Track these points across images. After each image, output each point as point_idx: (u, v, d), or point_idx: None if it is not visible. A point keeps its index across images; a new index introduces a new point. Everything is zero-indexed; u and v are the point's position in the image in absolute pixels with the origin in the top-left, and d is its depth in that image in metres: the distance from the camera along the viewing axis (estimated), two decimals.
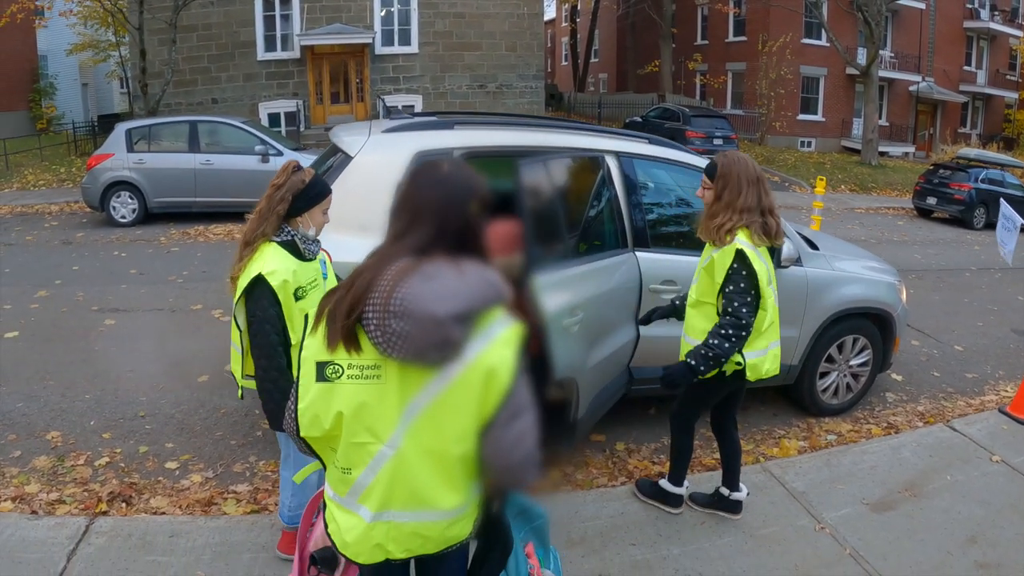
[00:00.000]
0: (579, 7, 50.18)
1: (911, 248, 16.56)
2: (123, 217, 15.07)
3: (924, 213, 22.60)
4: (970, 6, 40.73)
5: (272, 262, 3.50)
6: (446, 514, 2.25)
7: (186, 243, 13.56)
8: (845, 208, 22.40)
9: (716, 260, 4.08)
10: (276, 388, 3.48)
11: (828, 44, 32.66)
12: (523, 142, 5.34)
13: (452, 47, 28.48)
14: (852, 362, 6.73)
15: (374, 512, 2.23)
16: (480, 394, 2.11)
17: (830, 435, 6.35)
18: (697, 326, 4.27)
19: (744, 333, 4.01)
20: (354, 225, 4.24)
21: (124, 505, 4.83)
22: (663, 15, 37.39)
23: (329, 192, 3.73)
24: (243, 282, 3.51)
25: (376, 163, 4.95)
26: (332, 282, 3.90)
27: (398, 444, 2.16)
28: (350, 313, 2.08)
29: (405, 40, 28.29)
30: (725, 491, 4.71)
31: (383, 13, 28.04)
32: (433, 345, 2.03)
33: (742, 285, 4.00)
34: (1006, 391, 7.53)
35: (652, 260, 5.54)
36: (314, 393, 2.18)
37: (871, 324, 6.67)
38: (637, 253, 5.47)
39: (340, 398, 2.15)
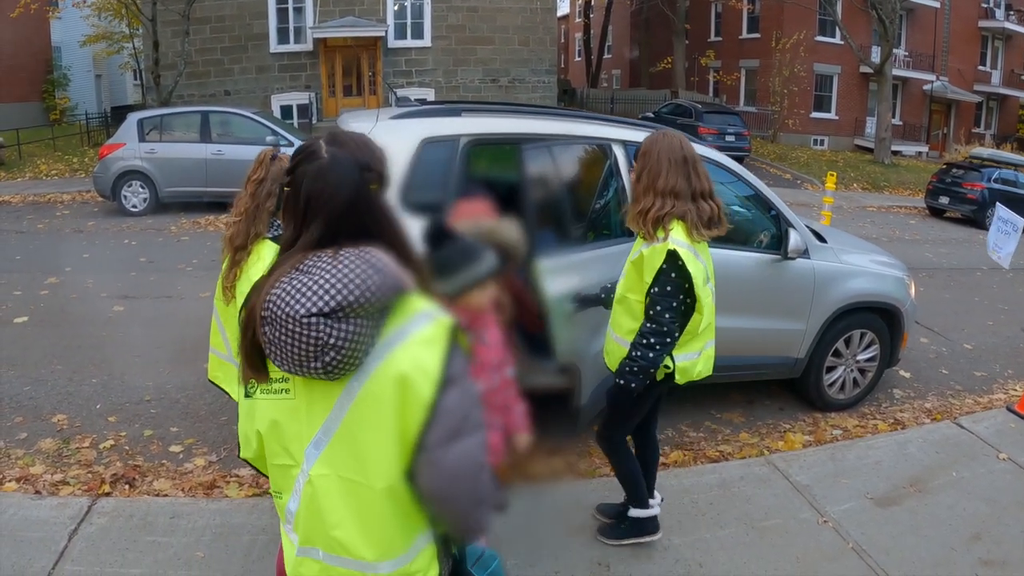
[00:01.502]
0: (592, 3, 50.09)
1: (922, 247, 16.51)
2: (134, 206, 15.14)
3: (936, 212, 22.50)
4: (985, 5, 40.48)
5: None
6: (369, 567, 1.89)
7: (196, 232, 13.61)
8: (857, 206, 22.33)
9: (646, 257, 3.67)
10: None
11: (842, 42, 32.49)
12: (529, 129, 5.33)
13: (465, 41, 28.47)
14: (859, 357, 6.70)
15: (299, 546, 1.96)
16: (395, 409, 1.76)
17: (836, 430, 6.33)
18: (623, 324, 3.87)
19: (668, 340, 3.65)
20: None
21: (127, 487, 4.86)
22: (676, 11, 37.33)
23: None
24: (245, 287, 3.35)
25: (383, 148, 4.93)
26: None
27: (309, 471, 1.86)
28: (245, 326, 1.85)
29: (418, 34, 28.30)
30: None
31: (396, 7, 28.06)
32: (304, 350, 1.70)
33: (669, 289, 3.60)
34: (1015, 390, 7.48)
35: None
36: (242, 411, 2.01)
37: (879, 319, 6.64)
38: None
39: (258, 415, 1.93)
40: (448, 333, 1.79)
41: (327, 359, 1.70)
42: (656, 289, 3.61)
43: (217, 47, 27.37)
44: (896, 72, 34.41)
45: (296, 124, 24.72)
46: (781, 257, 5.87)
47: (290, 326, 1.69)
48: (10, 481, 4.83)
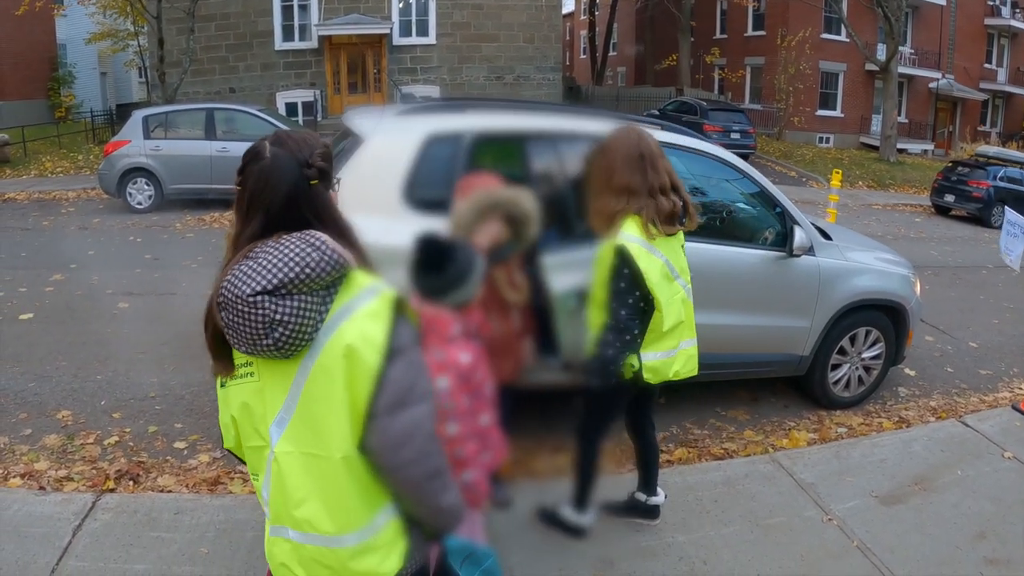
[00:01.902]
0: (598, 0, 50.04)
1: (928, 245, 16.48)
2: (139, 203, 15.18)
3: (942, 210, 22.46)
4: (991, 3, 40.43)
5: None
6: (333, 540, 1.96)
7: (201, 229, 13.63)
8: (862, 204, 22.29)
9: (599, 255, 3.67)
10: None
11: (848, 39, 32.50)
12: (534, 125, 5.33)
13: (470, 38, 28.49)
14: (864, 355, 6.68)
15: (271, 525, 2.06)
16: (345, 380, 1.85)
17: (841, 428, 6.31)
18: (594, 320, 3.79)
19: (627, 338, 3.59)
20: (367, 206, 4.23)
21: (131, 483, 4.87)
22: (682, 8, 37.23)
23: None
24: None
25: (388, 145, 4.94)
26: None
27: (275, 449, 1.94)
28: (206, 320, 1.94)
29: (423, 31, 28.33)
30: (642, 496, 4.38)
31: (401, 4, 28.14)
32: (255, 328, 1.80)
33: (622, 286, 3.55)
34: (1020, 389, 7.47)
35: None
36: (219, 402, 2.08)
37: (884, 316, 6.62)
38: None
39: (231, 402, 2.02)
40: (392, 306, 1.89)
41: (276, 335, 1.79)
42: (611, 288, 3.57)
43: (222, 44, 27.43)
44: (902, 70, 34.40)
45: (301, 121, 24.78)
46: (786, 254, 5.86)
47: (240, 306, 1.79)
48: (14, 477, 4.84)
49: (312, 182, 1.92)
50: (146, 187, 15.21)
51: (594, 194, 3.70)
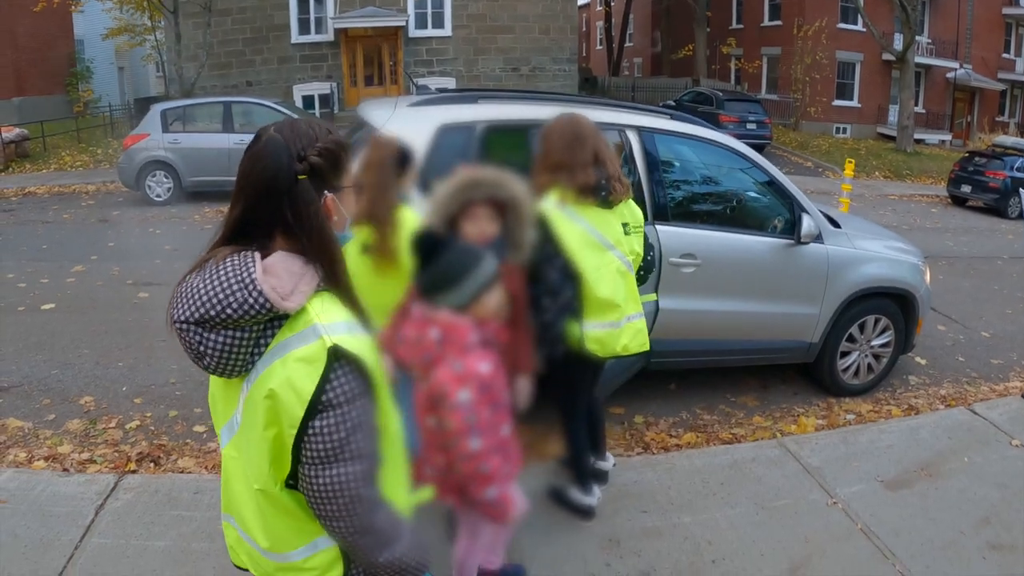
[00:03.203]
0: None
1: (943, 235, 16.43)
2: (158, 196, 15.33)
3: (958, 201, 22.35)
4: None
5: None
6: (267, 554, 1.93)
7: (219, 221, 13.58)
8: (879, 195, 22.21)
9: None
10: None
11: (864, 29, 32.24)
12: (546, 116, 5.39)
13: (485, 30, 28.47)
14: (874, 342, 6.72)
15: (223, 512, 2.07)
16: (264, 422, 1.74)
17: (849, 414, 6.36)
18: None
19: (563, 301, 3.72)
20: None
21: (152, 465, 5.00)
22: None
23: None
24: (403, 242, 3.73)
25: (401, 135, 5.02)
26: None
27: (222, 447, 1.94)
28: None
29: (438, 23, 28.32)
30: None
31: None
32: (190, 351, 1.74)
33: (547, 249, 3.67)
34: None
35: (671, 233, 5.53)
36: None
37: (893, 304, 6.65)
38: (657, 226, 5.47)
39: (210, 387, 2.00)
40: (331, 354, 1.69)
41: (205, 363, 1.74)
42: (539, 253, 3.64)
43: (239, 38, 27.53)
44: (919, 60, 34.10)
45: (318, 114, 24.87)
46: (794, 242, 5.91)
47: (172, 326, 1.74)
48: (39, 460, 4.97)
49: (300, 176, 1.75)
50: (165, 180, 15.35)
51: (533, 174, 3.84)
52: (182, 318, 1.69)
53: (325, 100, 27.23)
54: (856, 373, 6.79)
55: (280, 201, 1.74)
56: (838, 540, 4.32)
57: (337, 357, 1.69)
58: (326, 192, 1.80)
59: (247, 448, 1.84)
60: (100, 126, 28.20)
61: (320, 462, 1.72)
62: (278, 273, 1.70)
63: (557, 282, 3.70)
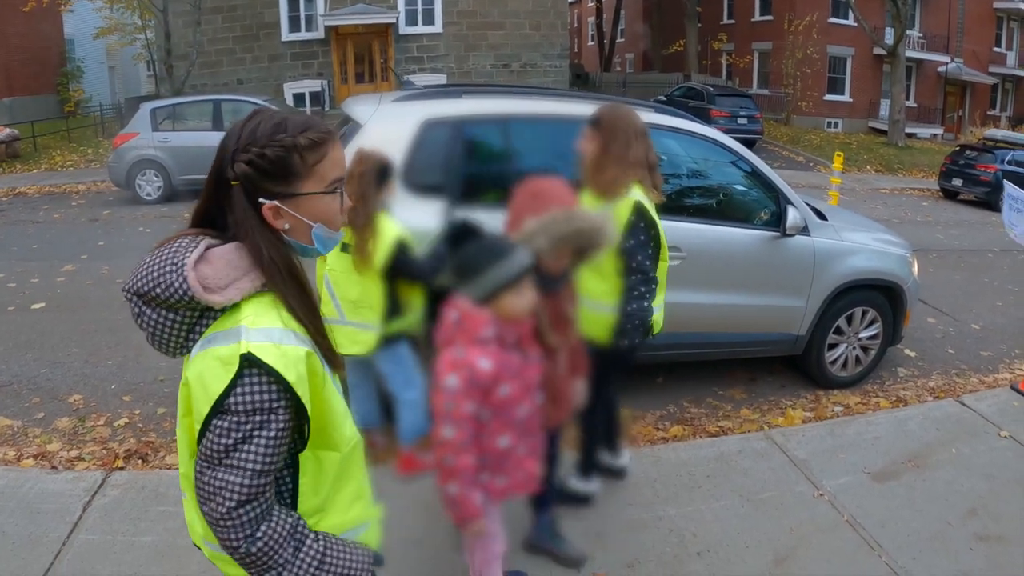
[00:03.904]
0: None
1: (934, 228, 16.47)
2: (148, 195, 15.31)
3: (950, 195, 22.40)
4: None
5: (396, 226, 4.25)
6: (204, 541, 1.93)
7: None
8: (870, 188, 22.26)
9: (616, 215, 3.72)
10: None
11: (855, 24, 32.31)
12: (528, 110, 5.43)
13: (476, 26, 28.47)
14: (861, 334, 6.74)
15: (181, 487, 2.01)
16: (183, 408, 1.75)
17: (837, 406, 6.37)
18: (593, 288, 3.82)
19: (654, 286, 3.84)
20: None
21: (140, 462, 5.01)
22: None
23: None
24: (380, 248, 4.16)
25: (385, 131, 5.04)
26: None
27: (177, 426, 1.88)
28: None
29: (429, 20, 28.31)
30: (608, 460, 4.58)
31: None
32: (135, 322, 1.73)
33: (642, 238, 3.76)
34: (1021, 369, 7.47)
35: None
36: None
37: (881, 296, 6.66)
38: None
39: None
40: (243, 361, 1.62)
41: (146, 336, 1.75)
42: (632, 242, 3.74)
43: (229, 36, 27.50)
44: (910, 54, 34.22)
45: (309, 112, 24.81)
46: (780, 234, 5.93)
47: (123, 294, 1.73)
48: (27, 458, 4.97)
49: (232, 182, 1.69)
50: (155, 179, 15.33)
51: (605, 164, 3.82)
52: (125, 287, 1.70)
53: (316, 98, 27.22)
54: (844, 365, 6.80)
55: (216, 195, 1.74)
56: (824, 532, 4.33)
57: (249, 364, 1.62)
58: (263, 200, 1.70)
59: (178, 431, 1.85)
60: (91, 126, 28.16)
61: (205, 460, 1.67)
62: (215, 264, 1.68)
63: (650, 268, 3.78)
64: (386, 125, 5.05)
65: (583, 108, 5.49)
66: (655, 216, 3.79)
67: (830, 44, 35.22)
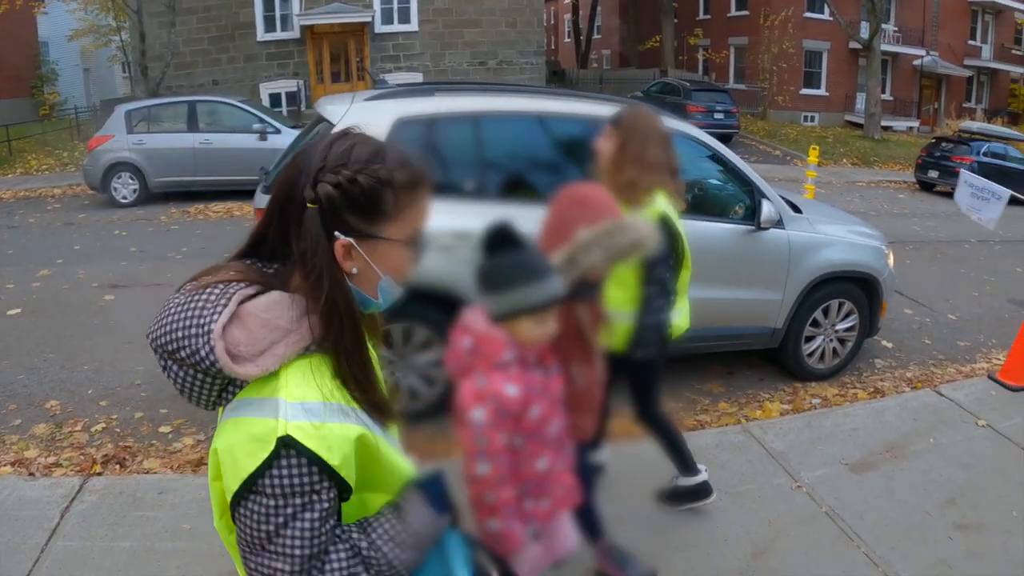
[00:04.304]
0: None
1: (910, 220, 16.57)
2: (124, 198, 15.19)
3: (926, 186, 22.54)
4: None
5: None
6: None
7: (186, 221, 13.67)
8: (846, 181, 22.39)
9: None
10: None
11: (831, 18, 32.52)
12: (502, 107, 5.44)
13: (452, 24, 28.41)
14: (838, 327, 6.78)
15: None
16: (213, 472, 1.53)
17: (815, 399, 6.41)
18: (612, 295, 3.60)
19: (672, 298, 3.77)
20: None
21: (118, 467, 4.98)
22: None
23: None
24: None
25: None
26: None
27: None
28: None
29: (405, 18, 28.21)
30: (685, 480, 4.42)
31: None
32: (162, 370, 1.48)
33: (665, 250, 3.59)
34: (998, 359, 7.51)
35: None
36: None
37: (857, 288, 6.70)
38: None
39: None
40: (280, 444, 1.38)
41: (174, 388, 1.49)
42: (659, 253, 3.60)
43: (204, 37, 27.32)
44: (885, 47, 34.45)
45: (285, 112, 24.73)
46: (755, 228, 5.95)
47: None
48: (5, 465, 4.93)
49: (308, 204, 1.44)
50: (130, 181, 15.21)
51: (623, 164, 3.70)
52: (149, 337, 1.46)
53: (292, 98, 27.08)
54: (821, 357, 6.84)
55: (288, 227, 1.48)
56: (802, 524, 4.35)
57: (287, 448, 1.39)
58: (338, 233, 1.46)
59: (210, 489, 1.60)
60: (66, 129, 27.91)
61: (247, 546, 1.47)
62: (251, 326, 1.42)
63: (669, 282, 3.71)
64: (359, 124, 5.05)
65: (553, 104, 5.52)
66: (680, 227, 3.71)
67: (806, 39, 35.41)
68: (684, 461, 4.28)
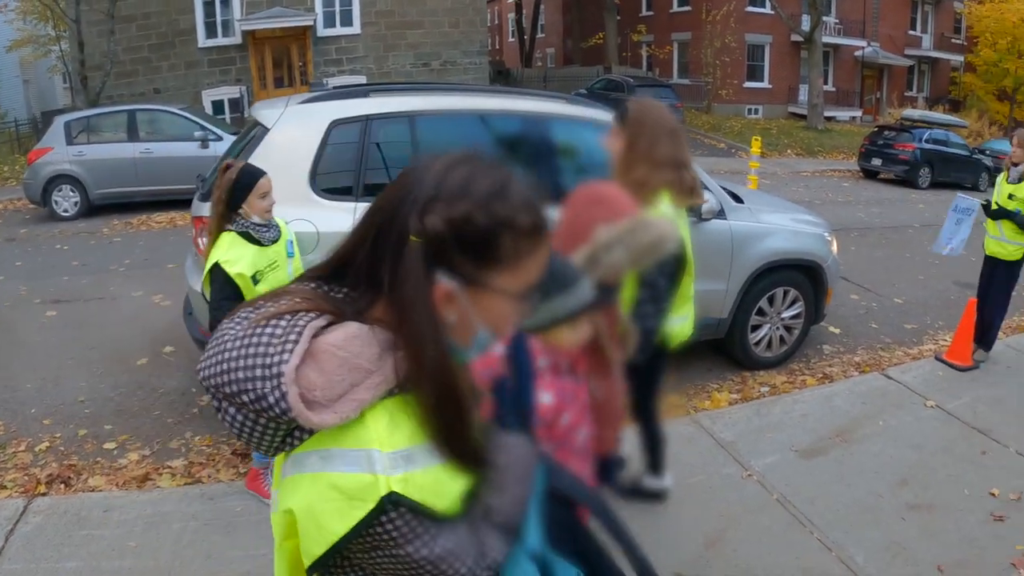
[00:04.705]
0: None
1: (855, 208, 16.80)
2: (65, 211, 14.90)
3: (870, 174, 22.90)
4: None
5: (229, 251, 3.92)
6: None
7: (128, 233, 13.45)
8: (791, 172, 22.64)
9: None
10: None
11: (772, 12, 32.89)
12: (437, 106, 5.42)
13: (394, 26, 28.25)
14: (784, 314, 6.84)
15: None
16: (282, 533, 1.34)
17: (764, 387, 6.46)
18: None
19: (664, 305, 3.53)
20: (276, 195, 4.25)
21: (63, 486, 4.87)
22: None
23: (257, 179, 3.99)
24: (206, 267, 3.95)
25: (291, 134, 5.01)
26: (297, 261, 4.35)
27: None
28: None
29: (347, 21, 27.99)
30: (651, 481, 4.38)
31: None
32: (216, 411, 1.28)
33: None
34: (945, 340, 7.62)
35: None
36: None
37: (801, 276, 6.76)
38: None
39: None
40: (384, 503, 1.19)
41: (229, 430, 1.29)
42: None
43: (144, 45, 26.90)
44: (827, 39, 34.93)
45: (228, 119, 24.44)
46: (696, 219, 5.95)
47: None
48: None
49: (411, 238, 1.21)
50: (71, 194, 14.92)
51: (632, 162, 3.55)
52: (202, 375, 1.25)
53: (235, 104, 26.78)
54: (768, 346, 6.90)
55: (383, 255, 1.25)
56: (753, 512, 4.38)
57: (395, 506, 1.21)
58: (442, 275, 1.24)
59: (276, 553, 1.42)
60: (6, 142, 27.43)
61: None
62: (327, 366, 1.21)
63: (664, 288, 3.52)
64: (294, 128, 5.01)
65: (491, 102, 5.51)
66: (684, 231, 3.57)
67: (748, 32, 35.77)
68: (657, 464, 4.28)
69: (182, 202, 14.06)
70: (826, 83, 36.30)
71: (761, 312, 6.71)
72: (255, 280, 3.98)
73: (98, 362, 6.93)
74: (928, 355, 7.08)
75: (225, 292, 3.87)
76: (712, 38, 33.83)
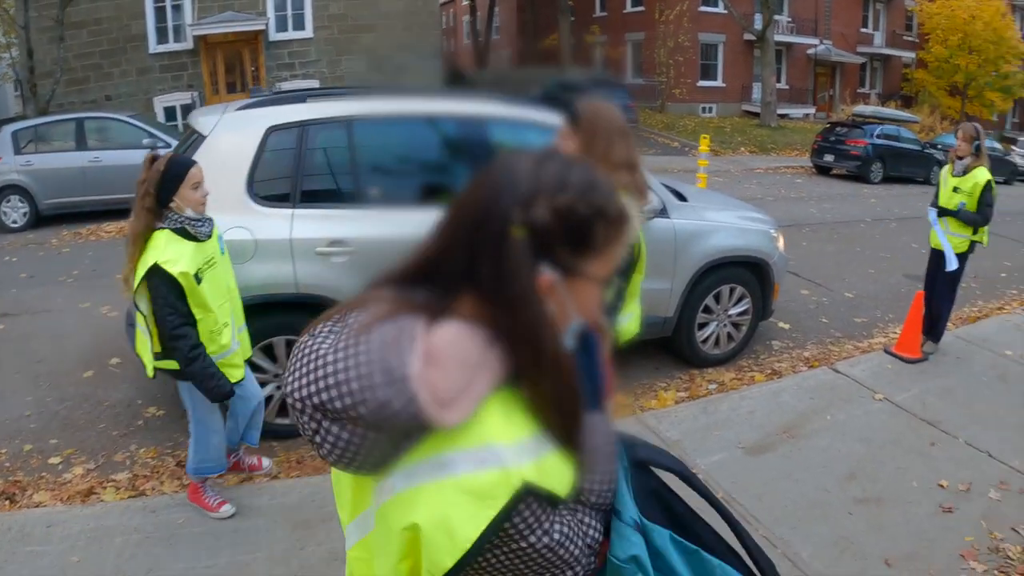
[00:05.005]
0: None
1: (807, 203, 16.96)
2: (14, 222, 14.64)
3: (823, 170, 23.16)
4: None
5: (167, 251, 3.73)
6: None
7: (77, 243, 13.25)
8: (744, 169, 22.81)
9: None
10: (202, 360, 3.85)
11: (725, 11, 33.13)
12: (375, 110, 5.42)
13: (348, 30, 28.08)
14: (731, 311, 6.88)
15: None
16: (399, 553, 1.26)
17: (712, 384, 6.48)
18: None
19: (617, 303, 3.52)
20: (213, 203, 4.18)
21: (8, 503, 4.80)
22: None
23: (188, 168, 3.87)
24: (140, 271, 3.72)
25: (228, 140, 4.98)
26: (226, 258, 4.23)
27: (347, 547, 1.43)
28: None
29: (299, 25, 27.78)
30: None
31: None
32: (304, 434, 1.27)
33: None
34: (895, 333, 7.69)
35: None
36: None
37: (747, 273, 6.81)
38: None
39: None
40: (519, 495, 1.19)
41: (322, 453, 1.25)
42: None
43: (95, 51, 26.52)
44: (779, 38, 35.28)
45: (180, 126, 24.18)
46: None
47: (287, 399, 1.27)
48: None
49: (514, 231, 1.21)
50: (20, 204, 14.66)
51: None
52: (298, 395, 1.22)
53: (187, 110, 26.35)
54: (716, 343, 6.94)
55: (480, 251, 1.24)
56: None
57: (529, 496, 1.21)
58: (545, 266, 1.24)
59: (379, 566, 1.33)
60: None
61: None
62: (445, 364, 1.20)
63: (615, 285, 3.46)
64: (231, 135, 4.98)
65: (433, 105, 5.51)
66: (639, 233, 3.44)
67: (701, 32, 36.00)
68: None
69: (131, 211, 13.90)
70: (779, 81, 36.69)
71: (708, 310, 6.74)
72: (198, 279, 3.81)
73: (44, 376, 6.82)
74: (878, 348, 7.16)
75: (170, 294, 3.73)
76: (665, 38, 34.01)
